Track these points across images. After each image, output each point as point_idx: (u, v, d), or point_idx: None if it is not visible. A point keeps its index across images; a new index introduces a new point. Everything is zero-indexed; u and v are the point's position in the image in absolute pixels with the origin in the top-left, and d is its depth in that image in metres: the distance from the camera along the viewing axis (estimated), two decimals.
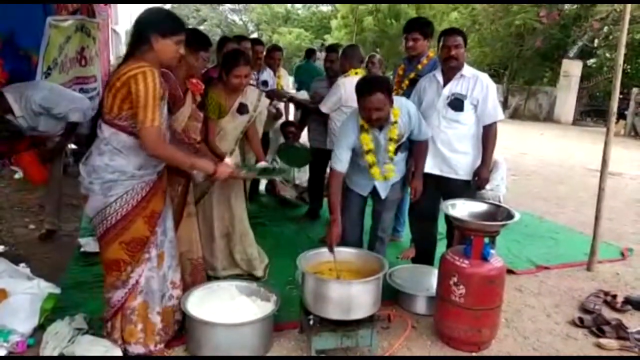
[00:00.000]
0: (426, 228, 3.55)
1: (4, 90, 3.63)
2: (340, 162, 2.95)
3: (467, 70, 3.23)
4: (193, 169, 2.60)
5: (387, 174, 3.04)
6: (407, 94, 3.57)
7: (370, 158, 2.97)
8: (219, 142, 3.19)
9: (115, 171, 2.25)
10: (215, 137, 3.17)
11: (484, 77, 3.23)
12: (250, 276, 3.37)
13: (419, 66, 3.66)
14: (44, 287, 2.73)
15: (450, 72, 3.22)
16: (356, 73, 4.00)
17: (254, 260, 3.44)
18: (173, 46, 2.25)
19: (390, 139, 2.96)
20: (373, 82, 2.86)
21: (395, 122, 2.94)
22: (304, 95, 4.61)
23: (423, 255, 3.61)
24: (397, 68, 3.96)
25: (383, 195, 3.18)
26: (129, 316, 2.40)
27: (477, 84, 3.18)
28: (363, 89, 2.82)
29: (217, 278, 3.24)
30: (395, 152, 3.03)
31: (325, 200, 4.99)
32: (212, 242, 3.35)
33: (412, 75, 3.69)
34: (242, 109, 3.22)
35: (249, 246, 3.45)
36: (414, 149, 3.21)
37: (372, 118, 2.81)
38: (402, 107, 2.99)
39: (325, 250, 2.85)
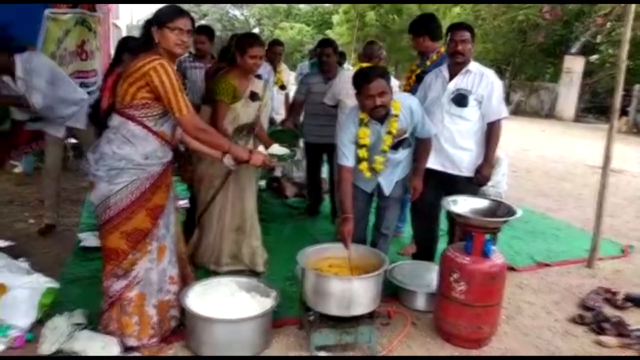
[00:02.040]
0: (428, 224, 3.53)
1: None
2: (346, 157, 2.95)
3: (474, 66, 3.20)
4: (229, 153, 2.66)
5: (376, 166, 3.00)
6: (413, 90, 3.58)
7: (362, 152, 2.95)
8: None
9: (122, 159, 2.30)
10: (228, 123, 3.18)
11: (490, 74, 3.21)
12: (251, 272, 3.37)
13: (428, 62, 3.67)
14: (43, 282, 2.72)
15: (456, 67, 3.20)
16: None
17: (257, 255, 3.46)
18: (170, 34, 2.29)
19: (389, 132, 2.93)
20: (370, 70, 2.87)
21: (396, 116, 2.92)
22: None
23: (424, 251, 3.60)
24: (413, 65, 3.99)
25: (387, 192, 3.16)
26: (125, 307, 2.42)
27: (482, 80, 3.16)
28: (362, 79, 2.80)
29: (216, 273, 3.24)
30: (397, 148, 3.01)
31: (325, 195, 4.99)
32: (221, 236, 3.37)
33: (418, 71, 3.71)
34: (254, 96, 3.27)
35: (256, 239, 3.48)
36: (417, 147, 3.19)
37: (377, 104, 2.77)
38: (403, 102, 2.96)
39: (325, 246, 2.86)
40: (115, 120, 2.33)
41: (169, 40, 2.29)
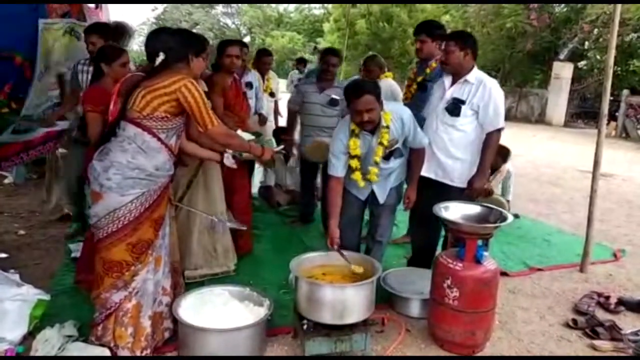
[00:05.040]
0: (425, 231, 3.50)
1: None
2: (335, 168, 2.98)
3: (473, 75, 3.15)
4: (250, 151, 2.85)
5: (370, 177, 3.04)
6: (416, 98, 3.60)
7: (354, 163, 2.99)
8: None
9: (136, 168, 2.33)
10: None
11: (490, 83, 3.13)
12: (222, 274, 3.43)
13: (428, 70, 3.63)
14: (33, 294, 2.69)
15: (455, 76, 3.20)
16: (386, 76, 4.46)
17: (229, 252, 3.51)
18: (202, 62, 2.63)
19: (380, 144, 2.96)
20: (361, 85, 2.88)
21: (387, 127, 2.94)
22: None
23: (420, 258, 3.58)
24: (410, 72, 3.98)
25: (381, 199, 3.17)
26: (121, 318, 2.40)
27: (479, 90, 3.11)
28: (352, 93, 2.83)
29: (193, 278, 3.30)
30: (388, 158, 3.03)
31: (318, 202, 4.97)
32: (190, 238, 3.35)
33: (419, 79, 3.68)
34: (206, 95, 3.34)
35: (229, 238, 3.52)
36: (411, 156, 3.20)
37: (364, 120, 2.82)
38: (394, 112, 2.98)
39: (319, 254, 2.87)
40: (130, 130, 2.34)
41: (201, 67, 2.63)
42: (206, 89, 3.34)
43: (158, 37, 2.53)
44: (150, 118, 2.33)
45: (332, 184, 2.99)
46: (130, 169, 2.32)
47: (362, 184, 3.04)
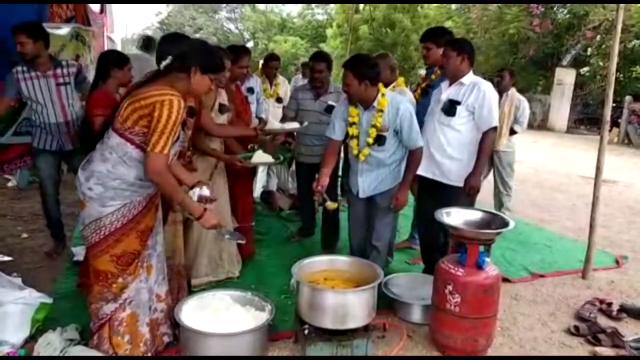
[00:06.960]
0: (429, 233, 3.51)
1: None
2: (333, 131, 3.28)
3: (468, 78, 3.27)
4: (181, 205, 2.57)
5: (360, 156, 3.20)
6: (421, 104, 3.67)
7: (353, 130, 3.20)
8: (209, 142, 3.27)
9: (117, 178, 2.25)
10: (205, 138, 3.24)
11: (483, 85, 3.24)
12: (227, 280, 3.44)
13: (433, 76, 3.72)
14: (35, 297, 2.69)
15: (452, 80, 3.31)
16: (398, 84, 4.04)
17: (234, 260, 3.53)
18: (208, 82, 2.34)
19: (373, 126, 3.10)
20: (349, 60, 3.11)
21: (381, 111, 3.07)
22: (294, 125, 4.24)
23: (427, 260, 3.58)
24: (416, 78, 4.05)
25: (362, 193, 3.27)
26: (117, 328, 2.39)
27: (473, 92, 3.22)
28: (345, 64, 3.11)
29: (199, 285, 3.29)
30: (374, 142, 3.13)
31: (320, 208, 4.95)
32: (201, 248, 3.34)
33: (423, 84, 3.77)
34: (223, 108, 3.33)
35: (234, 246, 3.54)
36: (407, 158, 3.23)
37: (344, 89, 3.12)
38: (392, 101, 3.10)
39: (320, 259, 2.87)
40: (114, 140, 2.25)
41: (203, 86, 2.34)
42: (226, 102, 3.33)
43: (174, 40, 2.43)
44: (132, 131, 2.20)
45: (330, 143, 3.30)
46: (111, 179, 2.24)
47: (355, 150, 3.21)
